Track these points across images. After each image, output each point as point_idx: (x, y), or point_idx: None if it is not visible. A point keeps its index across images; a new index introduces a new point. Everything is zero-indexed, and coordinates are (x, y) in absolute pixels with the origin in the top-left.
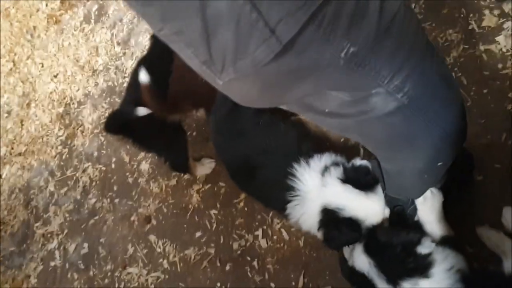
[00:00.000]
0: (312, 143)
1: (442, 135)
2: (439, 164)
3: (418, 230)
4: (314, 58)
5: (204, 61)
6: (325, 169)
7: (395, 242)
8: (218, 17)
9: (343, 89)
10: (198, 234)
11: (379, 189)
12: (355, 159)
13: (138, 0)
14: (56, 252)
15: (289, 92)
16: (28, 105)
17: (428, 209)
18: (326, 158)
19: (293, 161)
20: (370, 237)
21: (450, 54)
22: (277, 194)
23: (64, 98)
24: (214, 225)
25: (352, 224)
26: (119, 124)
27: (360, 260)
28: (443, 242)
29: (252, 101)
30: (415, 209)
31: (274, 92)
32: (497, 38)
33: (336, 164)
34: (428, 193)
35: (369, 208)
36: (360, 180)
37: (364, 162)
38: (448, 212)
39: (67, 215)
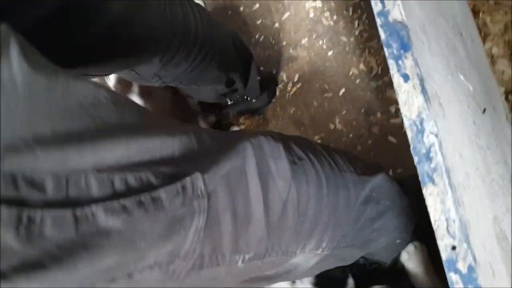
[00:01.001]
0: None
1: (389, 237)
2: (398, 241)
3: None
4: (210, 279)
5: None
6: None
7: None
8: None
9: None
10: None
11: (350, 280)
12: None
13: None
14: None
15: None
16: None
17: (414, 264)
18: None
19: None
20: None
21: None
22: None
23: None
24: None
25: None
26: None
27: None
28: None
29: None
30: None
31: None
32: None
33: None
34: (411, 248)
35: None
36: (331, 277)
37: None
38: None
39: None
